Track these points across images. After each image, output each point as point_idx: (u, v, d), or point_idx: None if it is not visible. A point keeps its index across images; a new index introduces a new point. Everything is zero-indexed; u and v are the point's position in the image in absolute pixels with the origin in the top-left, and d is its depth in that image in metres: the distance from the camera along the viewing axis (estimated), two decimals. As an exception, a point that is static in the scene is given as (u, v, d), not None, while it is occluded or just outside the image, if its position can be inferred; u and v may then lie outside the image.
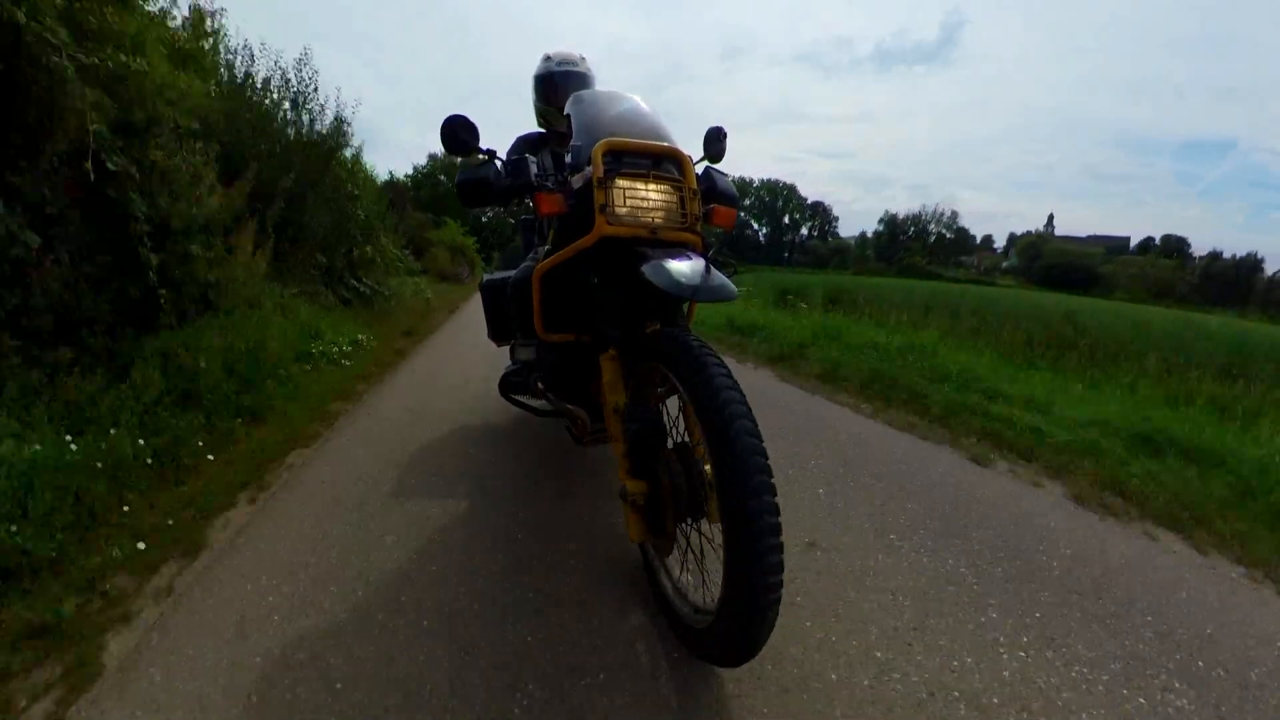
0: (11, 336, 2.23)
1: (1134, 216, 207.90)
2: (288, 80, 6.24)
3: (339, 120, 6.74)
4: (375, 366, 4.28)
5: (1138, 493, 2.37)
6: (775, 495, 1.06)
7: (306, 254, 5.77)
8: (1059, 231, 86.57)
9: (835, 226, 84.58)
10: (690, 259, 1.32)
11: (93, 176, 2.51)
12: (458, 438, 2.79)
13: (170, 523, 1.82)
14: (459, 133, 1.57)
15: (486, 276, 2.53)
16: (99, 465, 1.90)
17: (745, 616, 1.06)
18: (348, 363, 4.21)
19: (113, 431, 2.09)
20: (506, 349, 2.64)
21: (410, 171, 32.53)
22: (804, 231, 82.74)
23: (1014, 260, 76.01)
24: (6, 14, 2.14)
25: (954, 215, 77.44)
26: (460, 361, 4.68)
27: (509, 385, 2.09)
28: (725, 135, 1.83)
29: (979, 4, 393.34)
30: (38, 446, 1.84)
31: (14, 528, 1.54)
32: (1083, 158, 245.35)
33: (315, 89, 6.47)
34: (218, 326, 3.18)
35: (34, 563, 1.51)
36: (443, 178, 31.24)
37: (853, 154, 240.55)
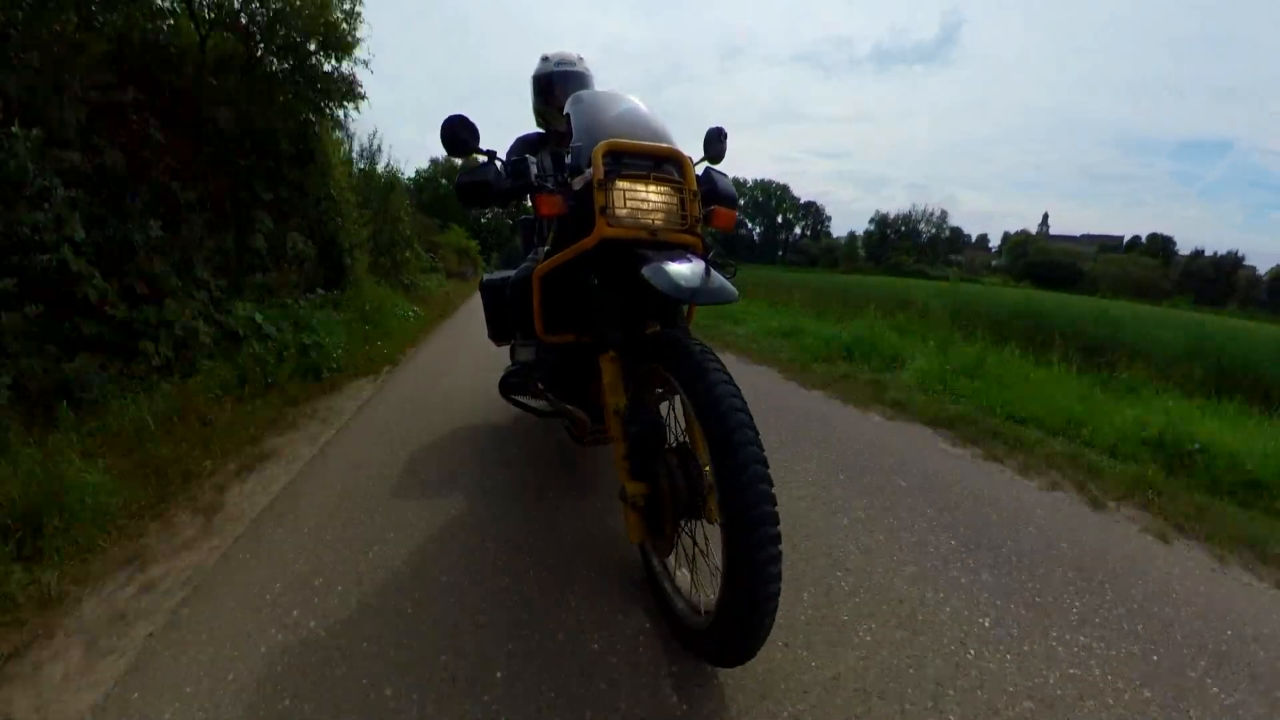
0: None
1: (1134, 216, 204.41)
2: (360, 142, 10.15)
3: (391, 170, 10.99)
4: (431, 323, 7.52)
5: (745, 348, 5.61)
6: (774, 498, 1.05)
7: (375, 257, 8.80)
8: (1054, 231, 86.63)
9: (827, 226, 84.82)
10: (690, 261, 1.29)
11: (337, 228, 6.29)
12: (481, 348, 4.58)
13: (386, 350, 4.91)
14: (459, 133, 1.53)
15: (486, 276, 2.43)
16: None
17: (743, 617, 1.05)
18: (413, 320, 7.19)
19: (353, 324, 5.25)
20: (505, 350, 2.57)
21: (412, 175, 32.67)
22: (797, 231, 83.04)
23: (1003, 259, 76.39)
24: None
25: (944, 215, 77.81)
26: (479, 323, 7.19)
27: (509, 386, 2.05)
28: (725, 136, 1.78)
29: (978, 3, 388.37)
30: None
31: (343, 341, 4.43)
32: (1083, 158, 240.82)
33: (380, 149, 10.55)
34: (360, 294, 6.31)
35: (346, 349, 4.32)
36: (444, 181, 31.37)
37: (851, 154, 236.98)
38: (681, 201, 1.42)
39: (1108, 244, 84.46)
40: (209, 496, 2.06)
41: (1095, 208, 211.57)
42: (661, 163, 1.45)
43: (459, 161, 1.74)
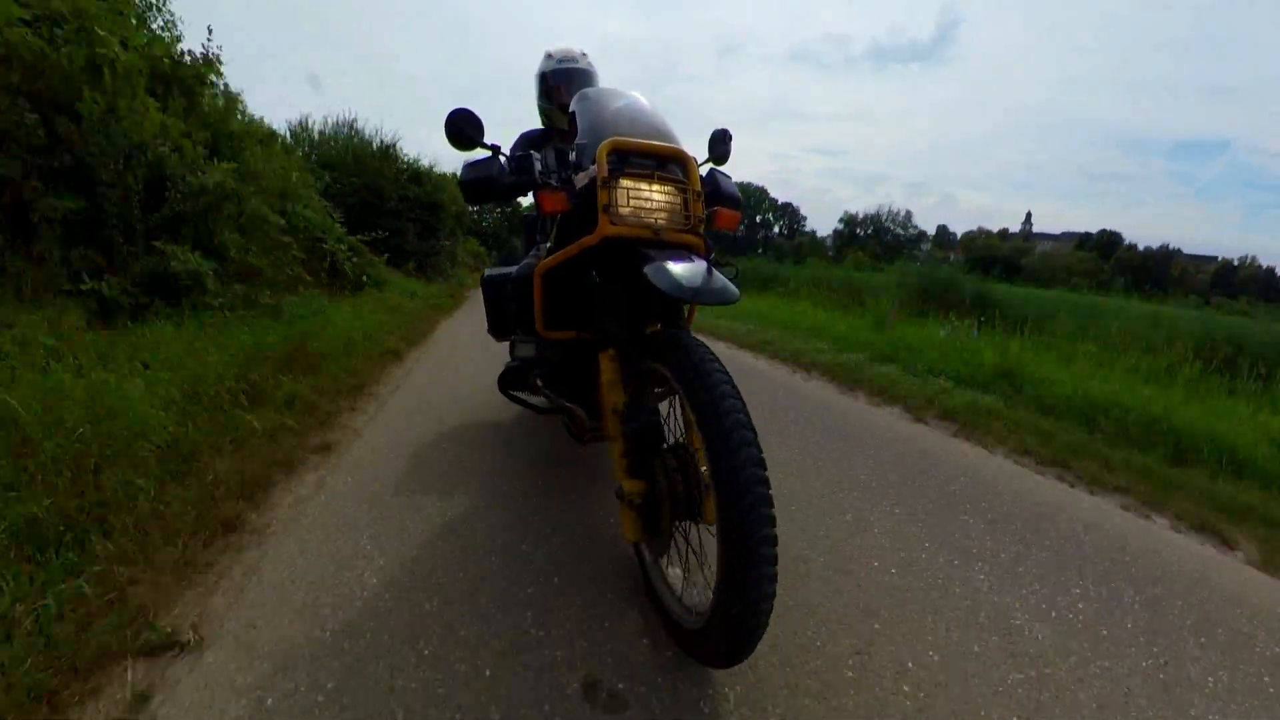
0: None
1: (1132, 216, 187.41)
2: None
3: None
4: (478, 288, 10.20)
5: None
6: (770, 499, 0.96)
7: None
8: (1037, 229, 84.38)
9: (802, 225, 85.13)
10: (692, 261, 1.20)
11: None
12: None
13: (470, 285, 11.58)
14: (463, 127, 1.41)
15: (488, 271, 2.26)
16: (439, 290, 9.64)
17: (738, 618, 0.97)
18: (470, 281, 12.13)
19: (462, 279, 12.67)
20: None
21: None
22: (775, 229, 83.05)
23: (960, 255, 76.57)
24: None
25: (908, 214, 77.46)
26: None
27: (508, 381, 1.90)
28: (730, 138, 1.65)
29: (975, 3, 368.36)
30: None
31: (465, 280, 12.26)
32: (1082, 157, 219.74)
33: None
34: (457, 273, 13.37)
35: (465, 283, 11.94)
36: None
37: (850, 152, 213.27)
38: (685, 202, 1.31)
39: (1073, 239, 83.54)
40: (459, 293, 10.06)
41: (1093, 207, 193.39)
42: (666, 162, 1.33)
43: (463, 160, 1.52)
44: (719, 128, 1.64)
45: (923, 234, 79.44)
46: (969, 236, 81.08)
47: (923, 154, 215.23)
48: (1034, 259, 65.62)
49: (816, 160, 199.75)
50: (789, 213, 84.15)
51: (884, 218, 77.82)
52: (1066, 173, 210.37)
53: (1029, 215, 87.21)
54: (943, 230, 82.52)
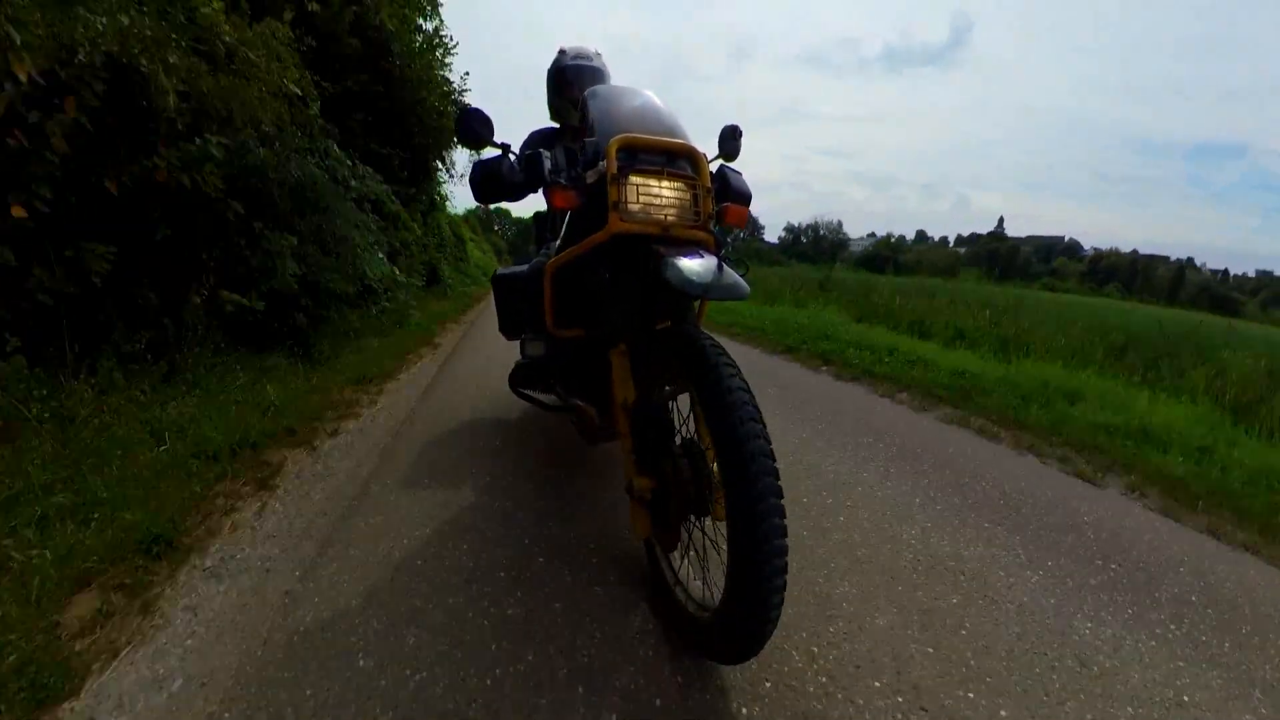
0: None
1: (1136, 215, 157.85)
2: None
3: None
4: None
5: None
6: (781, 496, 0.72)
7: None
8: (1010, 231, 77.08)
9: (761, 234, 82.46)
10: (702, 257, 0.89)
11: None
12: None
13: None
14: (474, 125, 1.07)
15: (499, 270, 1.80)
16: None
17: (747, 615, 0.73)
18: None
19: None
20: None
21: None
22: (741, 235, 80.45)
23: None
24: None
25: (839, 224, 74.56)
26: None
27: (519, 379, 1.51)
28: (740, 134, 1.26)
29: (988, 6, 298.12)
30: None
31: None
32: (1090, 159, 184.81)
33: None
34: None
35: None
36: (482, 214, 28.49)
37: (863, 154, 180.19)
38: (694, 197, 0.95)
39: (1044, 242, 77.24)
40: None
41: (1100, 207, 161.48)
42: (675, 158, 0.97)
43: (474, 160, 1.15)
44: (729, 124, 1.23)
45: (848, 240, 75.56)
46: (881, 240, 79.20)
47: (936, 156, 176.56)
48: (910, 255, 63.86)
49: (829, 162, 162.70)
50: (750, 224, 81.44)
51: (820, 228, 75.75)
52: (1078, 175, 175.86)
53: (1001, 220, 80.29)
54: (927, 233, 76.99)
